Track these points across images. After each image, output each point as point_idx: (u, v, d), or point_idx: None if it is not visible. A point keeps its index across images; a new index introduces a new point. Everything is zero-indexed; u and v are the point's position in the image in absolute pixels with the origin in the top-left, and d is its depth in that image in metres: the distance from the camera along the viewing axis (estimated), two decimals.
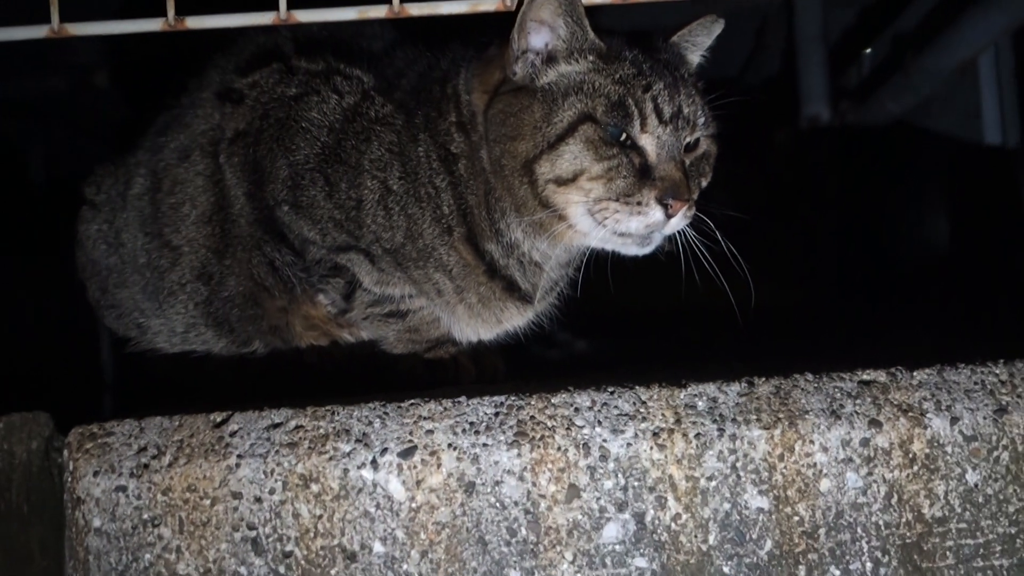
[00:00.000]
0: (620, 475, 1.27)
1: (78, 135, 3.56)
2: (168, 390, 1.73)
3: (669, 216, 1.42)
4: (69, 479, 1.31)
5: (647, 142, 1.45)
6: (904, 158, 3.38)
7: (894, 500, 1.26)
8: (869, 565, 1.25)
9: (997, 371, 1.30)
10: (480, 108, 1.50)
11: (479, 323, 1.60)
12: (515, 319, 1.62)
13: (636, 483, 1.27)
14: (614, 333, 2.97)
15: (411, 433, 1.29)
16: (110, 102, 3.00)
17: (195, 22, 1.38)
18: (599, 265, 1.58)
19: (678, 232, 1.47)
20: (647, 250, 1.48)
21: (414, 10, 1.40)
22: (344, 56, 1.59)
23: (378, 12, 1.39)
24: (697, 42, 1.58)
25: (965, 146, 3.28)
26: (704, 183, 1.54)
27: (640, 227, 1.43)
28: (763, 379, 1.31)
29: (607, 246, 1.50)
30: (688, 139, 1.49)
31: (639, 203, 1.41)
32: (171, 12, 1.37)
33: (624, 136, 1.44)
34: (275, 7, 1.38)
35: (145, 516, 1.28)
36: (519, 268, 1.56)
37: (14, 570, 1.35)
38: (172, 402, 1.44)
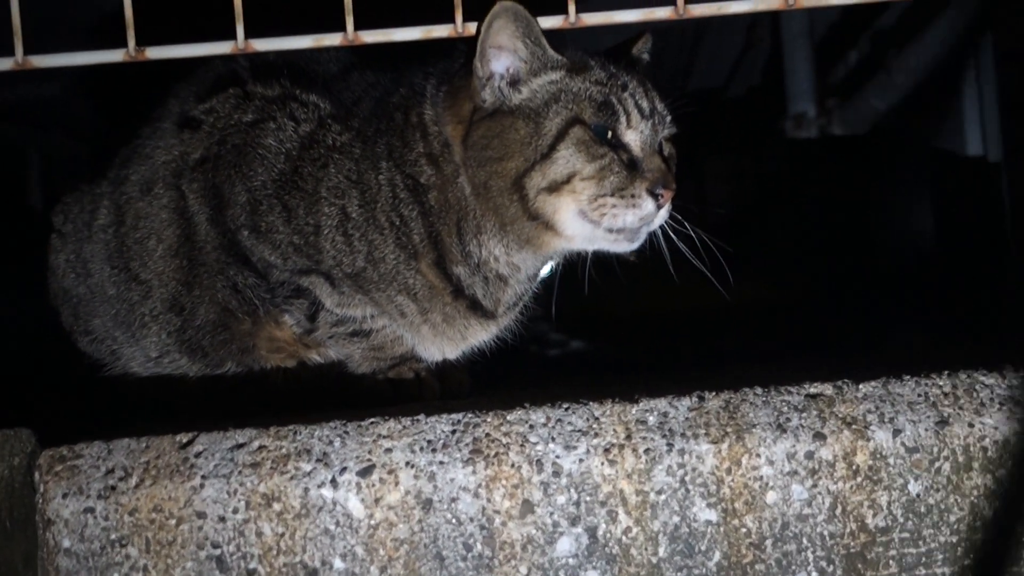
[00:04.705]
0: (573, 490, 1.30)
1: (73, 140, 3.61)
2: (142, 410, 1.76)
3: (659, 207, 1.47)
4: (40, 501, 1.35)
5: (632, 138, 1.50)
6: (889, 156, 3.40)
7: (838, 511, 1.29)
8: (815, 575, 1.28)
9: (940, 383, 1.33)
10: (456, 139, 1.53)
11: (444, 341, 1.63)
12: (479, 335, 1.65)
13: (588, 498, 1.30)
14: (608, 334, 3.03)
15: (370, 452, 1.32)
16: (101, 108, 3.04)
17: (155, 52, 1.41)
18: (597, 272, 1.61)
19: (659, 229, 1.51)
20: (635, 246, 1.53)
21: (368, 37, 1.43)
22: (300, 81, 1.62)
23: (333, 40, 1.42)
24: (642, 59, 1.66)
25: (948, 153, 3.30)
26: None
27: (635, 220, 1.47)
28: (713, 393, 1.34)
29: (594, 246, 1.54)
30: (663, 134, 1.54)
31: (633, 195, 1.46)
32: (131, 43, 1.41)
33: (610, 135, 1.48)
34: (233, 37, 1.42)
35: (113, 536, 1.32)
36: (483, 285, 1.59)
37: None
38: (143, 422, 1.47)
